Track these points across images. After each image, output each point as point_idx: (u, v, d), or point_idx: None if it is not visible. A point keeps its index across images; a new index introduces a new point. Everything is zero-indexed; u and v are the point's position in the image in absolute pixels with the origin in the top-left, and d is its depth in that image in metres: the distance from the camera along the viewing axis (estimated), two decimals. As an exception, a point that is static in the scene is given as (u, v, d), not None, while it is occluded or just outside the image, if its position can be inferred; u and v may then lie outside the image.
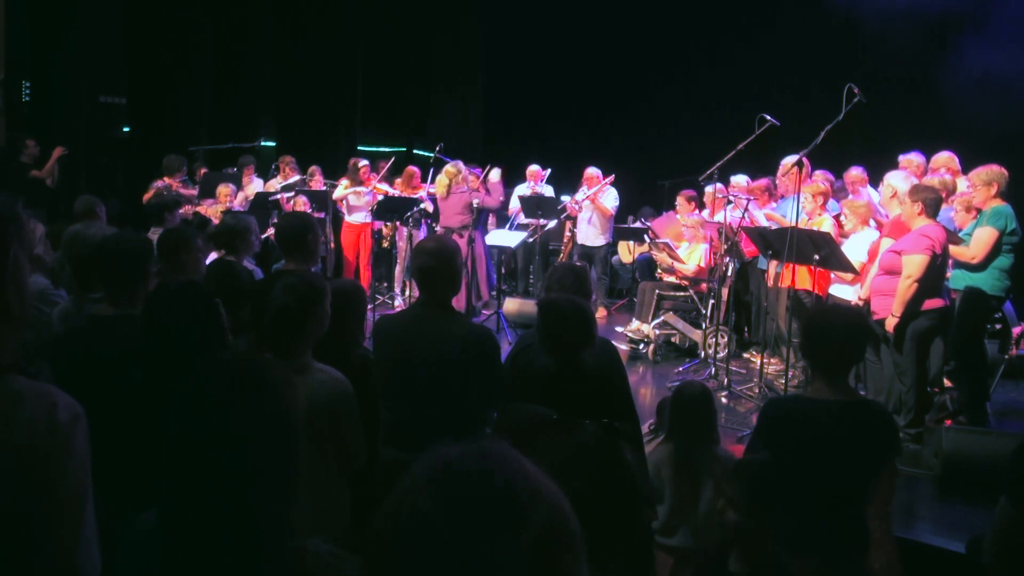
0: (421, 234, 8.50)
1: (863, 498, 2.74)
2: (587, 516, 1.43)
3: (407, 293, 8.84)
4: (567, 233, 10.05)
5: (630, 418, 2.96)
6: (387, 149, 13.04)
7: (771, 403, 2.95)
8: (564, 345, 2.84)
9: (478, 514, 0.86)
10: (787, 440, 2.70)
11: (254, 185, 9.48)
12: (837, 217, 6.42)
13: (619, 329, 7.83)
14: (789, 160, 5.86)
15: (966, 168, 6.07)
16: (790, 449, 2.69)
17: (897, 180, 5.76)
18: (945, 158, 6.39)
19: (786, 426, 2.73)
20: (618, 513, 1.48)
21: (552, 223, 9.43)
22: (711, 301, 7.15)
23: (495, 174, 9.51)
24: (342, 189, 9.22)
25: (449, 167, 8.49)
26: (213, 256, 4.98)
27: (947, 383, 5.95)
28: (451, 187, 8.37)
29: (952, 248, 5.38)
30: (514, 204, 9.86)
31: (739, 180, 7.94)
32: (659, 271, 8.30)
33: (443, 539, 0.85)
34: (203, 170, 9.61)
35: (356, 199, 9.21)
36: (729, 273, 7.30)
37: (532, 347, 3.08)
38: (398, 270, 9.56)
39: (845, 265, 5.63)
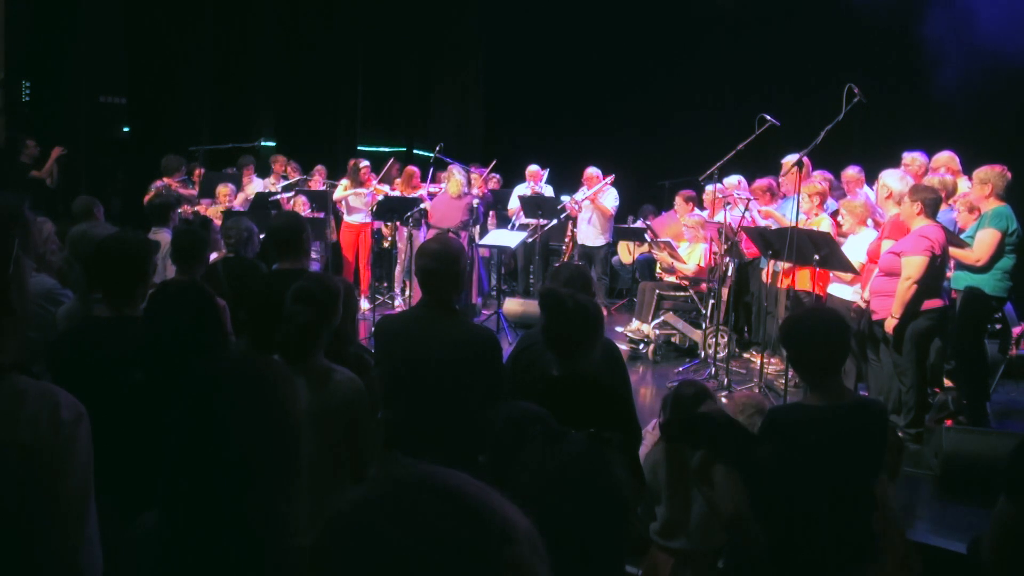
0: (421, 234, 8.49)
1: (871, 502, 2.70)
2: (569, 529, 1.43)
3: (407, 293, 8.83)
4: (568, 233, 10.04)
5: (629, 426, 2.85)
6: (387, 149, 13.04)
7: (772, 413, 2.85)
8: (567, 344, 2.79)
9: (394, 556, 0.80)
10: (793, 450, 2.62)
11: (254, 185, 9.48)
12: (835, 216, 6.42)
13: (619, 329, 7.83)
14: (790, 159, 5.86)
15: (967, 169, 6.07)
16: (796, 458, 2.62)
17: (892, 180, 5.76)
18: (945, 158, 6.38)
19: (789, 434, 2.66)
20: (602, 526, 1.47)
21: (552, 223, 9.43)
22: (711, 301, 7.15)
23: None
24: (342, 190, 9.23)
25: (458, 176, 8.38)
26: (213, 256, 4.99)
27: (947, 383, 5.95)
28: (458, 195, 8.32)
29: (956, 251, 5.37)
30: (514, 204, 9.87)
31: (731, 180, 7.91)
32: (659, 271, 8.30)
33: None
34: (199, 170, 9.61)
35: (356, 199, 9.22)
36: (729, 273, 7.30)
37: (533, 347, 3.07)
38: (398, 270, 9.56)
39: (845, 265, 5.63)
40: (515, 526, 0.81)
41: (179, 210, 6.39)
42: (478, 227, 8.97)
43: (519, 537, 0.81)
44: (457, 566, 0.77)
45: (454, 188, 8.33)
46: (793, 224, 5.77)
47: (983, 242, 5.35)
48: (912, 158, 6.45)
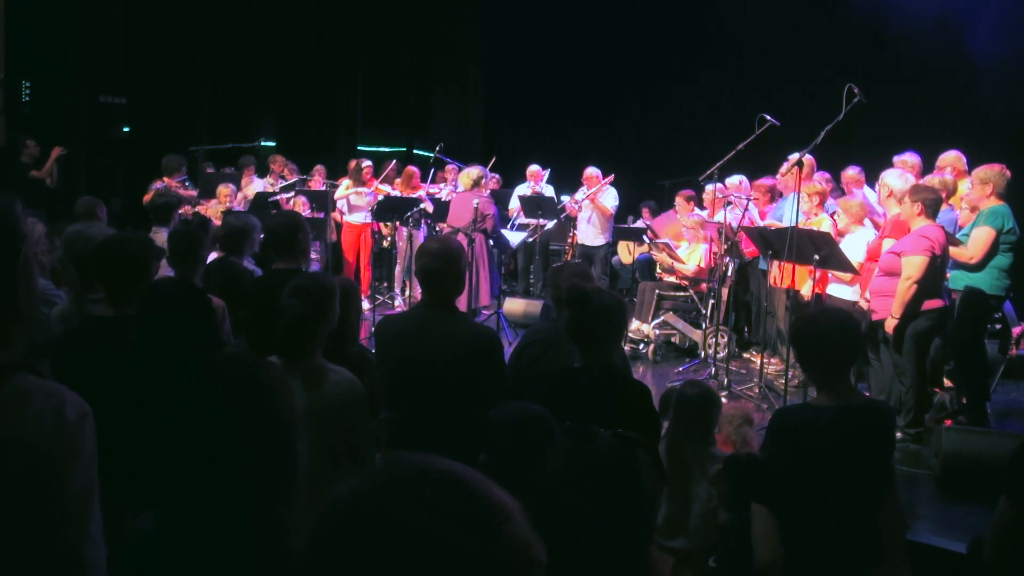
0: (421, 234, 8.48)
1: (878, 505, 2.67)
2: (597, 531, 1.42)
3: (407, 293, 8.83)
4: (571, 236, 10.03)
5: (648, 419, 2.86)
6: (387, 149, 13.05)
7: (779, 413, 2.81)
8: (596, 339, 2.77)
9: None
10: (800, 451, 2.60)
11: (254, 185, 9.48)
12: (834, 216, 6.42)
13: (619, 329, 7.80)
14: (795, 157, 5.87)
15: (971, 168, 6.06)
16: (803, 460, 2.59)
17: (893, 179, 5.77)
18: (952, 157, 6.36)
19: (797, 436, 2.63)
20: (630, 529, 1.47)
21: (552, 223, 9.42)
22: (711, 301, 7.15)
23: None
24: (343, 190, 9.23)
25: (475, 171, 8.28)
26: (212, 255, 4.99)
27: (947, 383, 5.95)
28: (471, 187, 8.20)
29: (951, 249, 5.38)
30: (514, 204, 9.86)
31: (732, 180, 7.91)
32: (659, 271, 8.30)
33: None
34: (209, 169, 9.62)
35: (358, 199, 9.22)
36: (729, 273, 7.30)
37: (536, 344, 3.07)
38: (398, 270, 9.56)
39: (845, 265, 5.64)
40: (511, 505, 0.85)
41: (179, 210, 6.39)
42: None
43: (515, 516, 0.84)
44: (463, 542, 0.80)
45: (465, 180, 8.20)
46: (793, 224, 5.77)
47: (977, 240, 5.36)
48: (903, 160, 6.45)
